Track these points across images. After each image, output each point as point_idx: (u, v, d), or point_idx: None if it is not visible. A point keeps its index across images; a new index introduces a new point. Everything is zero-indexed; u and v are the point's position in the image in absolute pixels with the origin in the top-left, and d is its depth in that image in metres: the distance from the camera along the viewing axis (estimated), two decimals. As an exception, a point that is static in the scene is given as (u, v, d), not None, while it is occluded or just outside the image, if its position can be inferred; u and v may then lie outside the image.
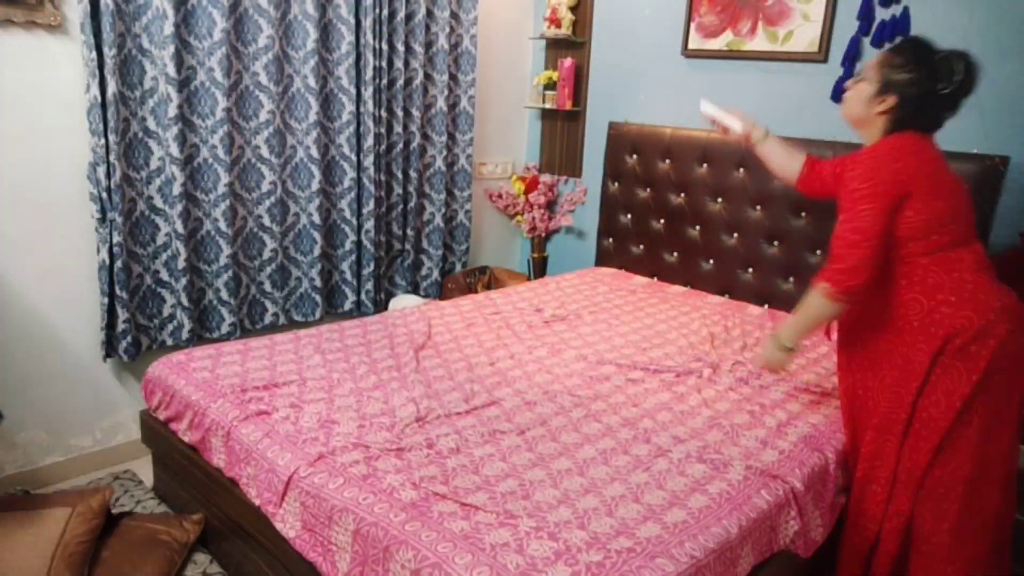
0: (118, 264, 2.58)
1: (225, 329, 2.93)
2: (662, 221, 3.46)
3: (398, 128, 3.34)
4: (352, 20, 3.04)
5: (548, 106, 3.84)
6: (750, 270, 3.20)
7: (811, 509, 1.89)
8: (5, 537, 1.98)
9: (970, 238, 1.89)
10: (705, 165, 3.27)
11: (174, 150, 2.64)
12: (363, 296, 3.37)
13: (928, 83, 1.81)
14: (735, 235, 3.22)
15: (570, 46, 3.78)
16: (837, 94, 2.91)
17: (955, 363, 1.80)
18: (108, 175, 2.52)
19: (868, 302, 1.91)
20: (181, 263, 2.74)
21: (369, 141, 3.19)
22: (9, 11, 2.29)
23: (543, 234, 3.87)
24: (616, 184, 3.60)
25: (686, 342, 2.70)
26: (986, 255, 1.91)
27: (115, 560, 2.05)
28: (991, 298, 1.81)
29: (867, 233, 1.78)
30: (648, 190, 3.49)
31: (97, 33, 2.42)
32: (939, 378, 1.82)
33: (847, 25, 2.86)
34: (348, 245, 3.29)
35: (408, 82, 3.36)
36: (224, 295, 2.90)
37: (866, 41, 2.82)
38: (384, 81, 3.20)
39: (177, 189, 2.67)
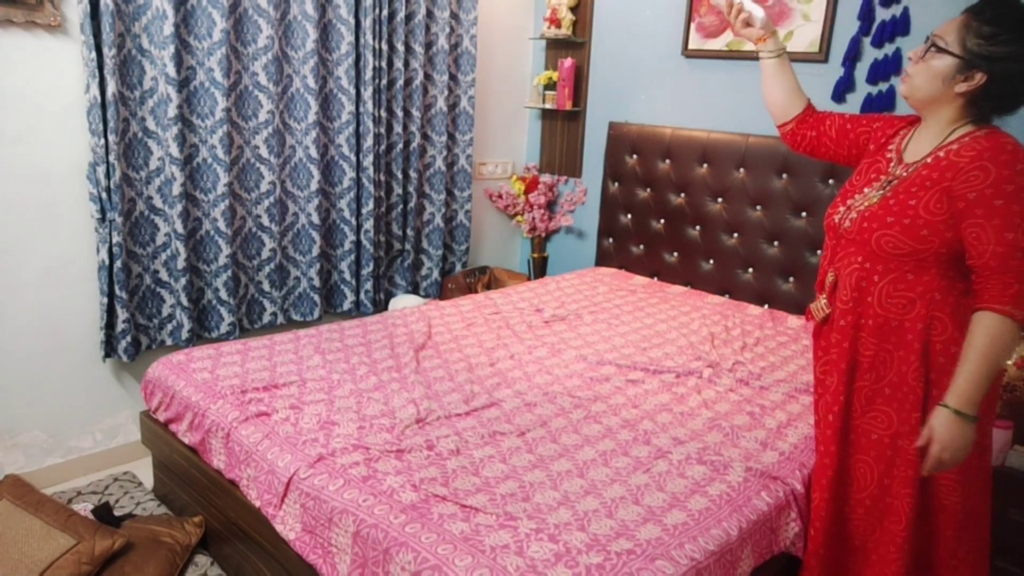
0: (118, 264, 2.58)
1: (224, 329, 2.92)
2: (662, 221, 3.46)
3: (398, 128, 3.33)
4: (352, 20, 3.03)
5: (548, 106, 3.84)
6: (750, 270, 3.20)
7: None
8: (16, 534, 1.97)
9: None
10: (705, 165, 3.27)
11: (174, 150, 2.64)
12: (362, 296, 3.37)
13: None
14: (735, 235, 3.22)
15: (570, 46, 3.78)
16: (838, 94, 2.91)
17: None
18: (108, 175, 2.52)
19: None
20: (180, 263, 2.74)
21: (369, 141, 3.19)
22: (9, 11, 2.29)
23: (543, 234, 3.87)
24: (616, 184, 3.60)
25: (686, 342, 2.70)
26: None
27: (117, 561, 2.05)
28: None
29: None
30: (648, 190, 3.49)
31: (97, 33, 2.42)
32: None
33: (847, 25, 2.86)
34: (347, 245, 3.28)
35: (408, 82, 3.35)
36: (223, 295, 2.90)
37: (866, 41, 2.82)
38: (384, 81, 3.20)
39: (176, 189, 2.67)
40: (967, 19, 1.52)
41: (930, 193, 1.56)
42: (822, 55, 2.93)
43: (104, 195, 2.53)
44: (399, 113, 3.31)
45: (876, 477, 1.70)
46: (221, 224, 2.83)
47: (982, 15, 1.51)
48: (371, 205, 3.26)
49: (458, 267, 3.84)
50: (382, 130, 3.26)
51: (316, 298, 3.20)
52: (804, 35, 2.97)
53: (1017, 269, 1.46)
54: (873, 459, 1.70)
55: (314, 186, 3.08)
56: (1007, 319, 1.46)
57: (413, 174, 3.47)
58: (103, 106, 2.47)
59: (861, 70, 2.86)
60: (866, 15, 2.79)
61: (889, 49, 2.77)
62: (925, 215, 1.56)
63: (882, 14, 2.77)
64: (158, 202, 2.70)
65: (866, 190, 1.70)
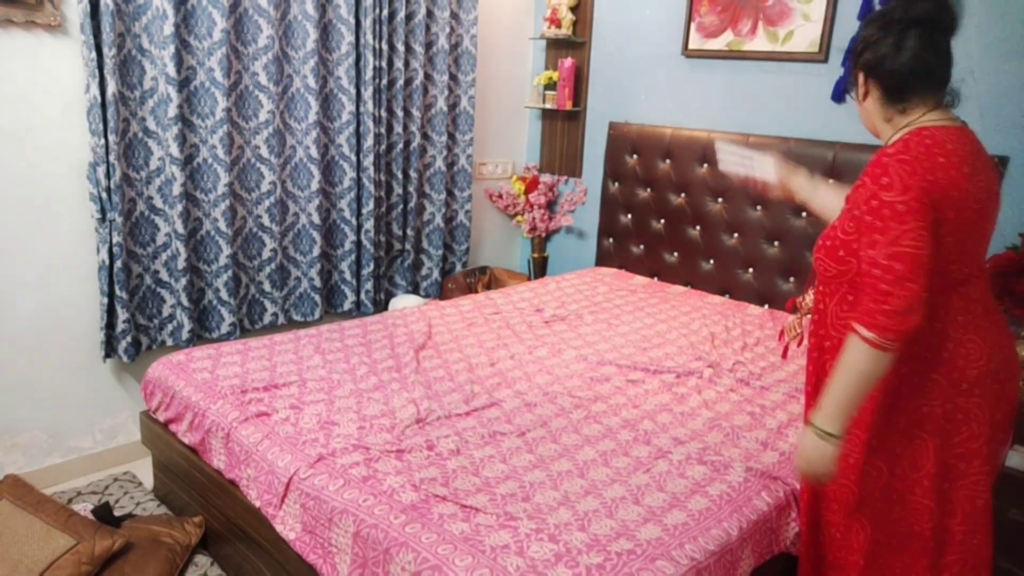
0: (118, 264, 2.58)
1: (225, 329, 2.92)
2: (662, 221, 3.46)
3: (398, 128, 3.33)
4: (352, 20, 3.03)
5: (548, 106, 3.84)
6: (750, 270, 3.20)
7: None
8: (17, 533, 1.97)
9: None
10: (705, 165, 3.27)
11: (174, 150, 2.64)
12: (363, 296, 3.37)
13: (887, 37, 1.48)
14: (735, 235, 3.22)
15: (570, 46, 3.78)
16: (838, 94, 2.91)
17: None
18: (108, 175, 2.52)
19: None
20: (181, 263, 2.74)
21: (369, 141, 3.19)
22: (9, 11, 2.29)
23: (543, 234, 3.87)
24: (616, 184, 3.60)
25: (687, 342, 2.70)
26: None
27: (117, 561, 2.05)
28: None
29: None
30: (648, 190, 3.49)
31: (97, 33, 2.42)
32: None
33: (847, 25, 2.86)
34: (348, 245, 3.28)
35: (408, 82, 3.35)
36: (224, 295, 2.90)
37: (866, 41, 2.82)
38: (384, 81, 3.20)
39: (177, 189, 2.67)
40: (855, 53, 1.55)
41: (847, 214, 1.53)
42: (822, 55, 2.93)
43: (104, 195, 2.53)
44: (399, 113, 3.31)
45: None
46: (222, 224, 2.83)
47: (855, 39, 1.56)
48: (371, 205, 3.26)
49: (458, 267, 3.84)
50: (382, 130, 3.26)
51: (317, 298, 3.20)
52: (804, 35, 2.97)
53: (871, 286, 1.39)
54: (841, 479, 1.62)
55: (314, 186, 3.08)
56: (855, 337, 1.41)
57: (413, 174, 3.47)
58: (103, 106, 2.46)
59: (861, 70, 2.85)
60: (866, 15, 2.79)
61: (889, 49, 2.77)
62: (842, 235, 1.53)
63: (882, 14, 2.77)
64: (158, 202, 2.70)
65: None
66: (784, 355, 2.24)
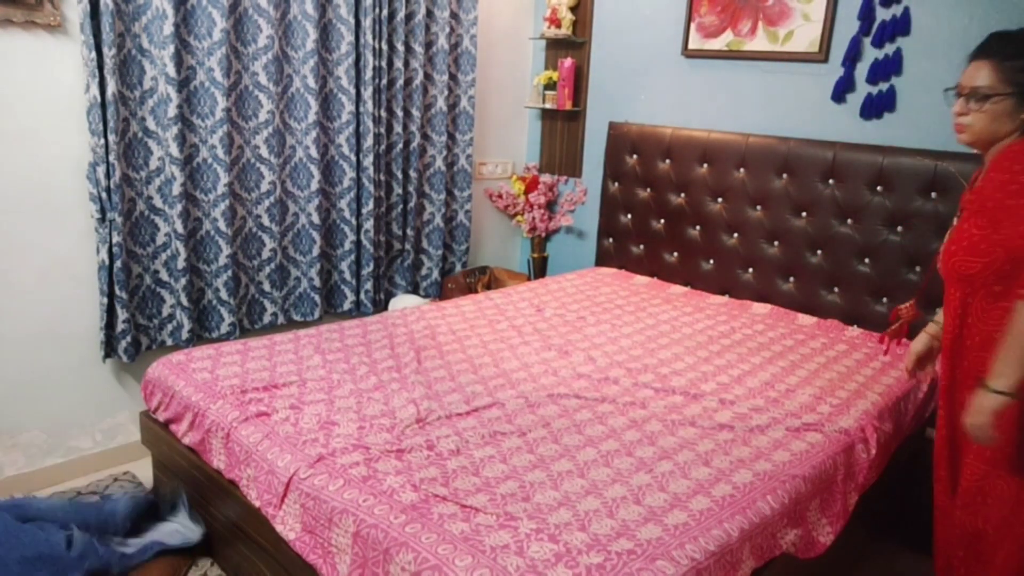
0: (118, 264, 2.58)
1: (224, 329, 2.92)
2: (662, 221, 3.46)
3: (398, 128, 3.33)
4: (352, 20, 3.03)
5: (548, 106, 3.84)
6: (750, 270, 3.20)
7: (816, 516, 1.88)
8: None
9: None
10: (705, 165, 3.27)
11: (174, 150, 2.64)
12: (362, 296, 3.37)
13: None
14: (735, 235, 3.22)
15: (570, 46, 3.78)
16: (838, 94, 2.91)
17: None
18: (108, 175, 2.52)
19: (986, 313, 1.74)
20: (181, 263, 2.74)
21: (369, 141, 3.19)
22: (9, 11, 2.29)
23: (543, 234, 3.87)
24: (616, 184, 3.59)
25: (693, 343, 2.70)
26: None
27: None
28: None
29: None
30: (648, 190, 3.49)
31: (97, 33, 2.42)
32: None
33: (847, 25, 2.86)
34: (347, 245, 3.28)
35: (408, 82, 3.35)
36: (223, 295, 2.89)
37: (866, 41, 2.82)
38: (384, 81, 3.20)
39: (177, 189, 2.67)
40: (995, 63, 1.68)
41: (973, 214, 1.73)
42: (822, 55, 2.93)
43: (104, 195, 2.53)
44: (399, 113, 3.31)
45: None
46: (221, 224, 2.83)
47: (1006, 52, 1.68)
48: (371, 205, 3.25)
49: (458, 267, 3.84)
50: (382, 130, 3.26)
51: (316, 298, 3.20)
52: (804, 35, 2.97)
53: None
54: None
55: (314, 186, 3.08)
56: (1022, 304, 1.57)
57: (413, 174, 3.47)
58: (103, 106, 2.46)
59: (861, 70, 2.85)
60: (866, 15, 2.79)
61: (889, 49, 2.77)
62: (977, 231, 1.70)
63: (882, 14, 2.77)
64: (158, 202, 2.70)
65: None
66: (886, 352, 2.47)
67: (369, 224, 3.28)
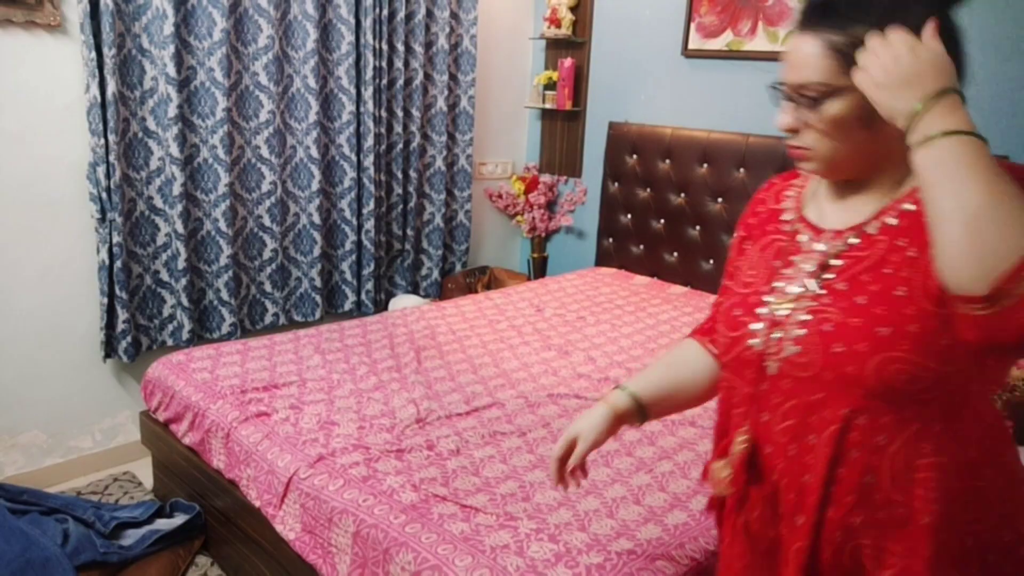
0: (118, 264, 2.58)
1: (225, 329, 2.92)
2: (662, 221, 3.46)
3: (398, 128, 3.33)
4: (352, 20, 3.03)
5: (548, 106, 3.83)
6: (750, 270, 3.20)
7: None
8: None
9: None
10: (705, 165, 3.27)
11: (174, 150, 2.64)
12: (363, 296, 3.37)
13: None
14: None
15: (570, 46, 3.78)
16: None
17: None
18: (108, 175, 2.52)
19: None
20: (181, 263, 2.74)
21: (369, 141, 3.19)
22: (9, 11, 2.29)
23: (543, 234, 3.87)
24: (616, 184, 3.59)
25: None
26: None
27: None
28: None
29: None
30: (648, 190, 3.49)
31: (97, 33, 2.42)
32: None
33: (848, 25, 2.86)
34: (348, 245, 3.28)
35: (408, 82, 3.35)
36: (224, 295, 2.89)
37: (867, 41, 2.82)
38: (384, 81, 3.20)
39: (177, 189, 2.67)
40: (823, 40, 0.99)
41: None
42: (822, 55, 2.92)
43: (104, 195, 2.53)
44: (399, 113, 3.31)
45: None
46: (222, 224, 2.83)
47: (833, 19, 0.98)
48: (372, 205, 3.26)
49: (458, 267, 3.84)
50: (382, 130, 3.26)
51: (317, 298, 3.20)
52: (804, 35, 2.97)
53: None
54: None
55: (315, 186, 3.08)
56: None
57: (413, 174, 3.47)
58: (103, 106, 2.46)
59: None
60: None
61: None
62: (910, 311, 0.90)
63: (882, 14, 2.77)
64: (158, 202, 2.70)
65: (780, 286, 1.05)
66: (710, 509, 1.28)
67: (370, 224, 3.28)
